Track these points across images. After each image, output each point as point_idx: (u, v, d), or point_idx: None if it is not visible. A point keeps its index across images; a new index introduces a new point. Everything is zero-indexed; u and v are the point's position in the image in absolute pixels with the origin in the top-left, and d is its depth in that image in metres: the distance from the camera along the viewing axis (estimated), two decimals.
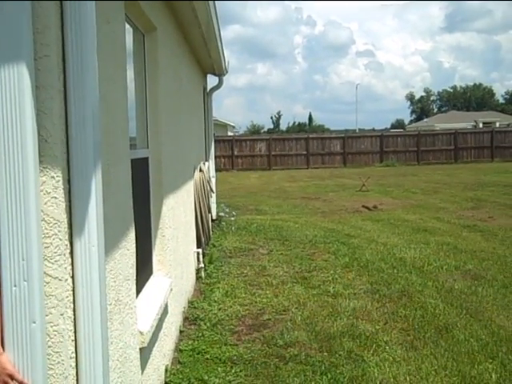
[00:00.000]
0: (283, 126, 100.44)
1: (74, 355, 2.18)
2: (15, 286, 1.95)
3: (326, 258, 9.22)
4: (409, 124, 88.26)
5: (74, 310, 2.17)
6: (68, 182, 2.13)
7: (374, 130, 69.43)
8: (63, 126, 2.10)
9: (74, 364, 2.18)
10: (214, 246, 10.36)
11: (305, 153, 37.90)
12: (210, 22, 6.79)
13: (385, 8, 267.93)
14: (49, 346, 2.09)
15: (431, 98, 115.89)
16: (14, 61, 1.90)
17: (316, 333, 5.73)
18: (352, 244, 10.37)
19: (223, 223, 12.86)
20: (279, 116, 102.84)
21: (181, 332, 5.82)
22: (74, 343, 2.18)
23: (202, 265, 8.09)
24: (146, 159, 4.72)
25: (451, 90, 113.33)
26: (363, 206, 16.14)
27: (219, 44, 8.76)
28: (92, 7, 2.16)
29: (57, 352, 2.12)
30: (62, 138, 2.09)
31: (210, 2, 6.11)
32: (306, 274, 8.15)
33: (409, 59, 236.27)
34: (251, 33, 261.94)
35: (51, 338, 2.10)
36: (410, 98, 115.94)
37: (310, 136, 39.43)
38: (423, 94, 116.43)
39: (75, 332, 2.18)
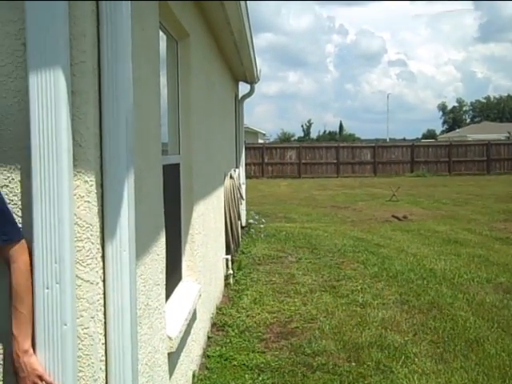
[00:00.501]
0: (314, 135, 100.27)
1: (103, 358, 2.20)
2: (47, 288, 1.97)
3: (355, 268, 9.16)
4: (440, 134, 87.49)
5: (105, 314, 2.19)
6: (101, 186, 2.15)
7: (404, 139, 68.98)
8: (97, 130, 2.12)
9: (103, 367, 2.20)
10: (243, 252, 10.36)
11: (335, 161, 37.76)
12: (243, 29, 6.82)
13: (418, 18, 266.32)
14: (79, 349, 2.11)
15: (464, 109, 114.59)
16: (51, 66, 1.93)
17: (344, 342, 5.69)
18: (381, 254, 10.29)
19: (252, 230, 12.87)
20: (310, 124, 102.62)
21: (209, 338, 5.83)
22: (104, 346, 2.20)
23: (230, 271, 8.09)
24: (177, 165, 4.75)
25: (484, 101, 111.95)
26: (393, 216, 16.01)
27: (251, 51, 8.79)
28: (128, 14, 2.18)
29: (87, 355, 2.13)
30: (95, 143, 2.11)
31: (243, 10, 6.13)
32: (334, 283, 8.10)
33: (441, 69, 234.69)
34: (283, 41, 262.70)
35: (82, 341, 2.12)
36: (442, 108, 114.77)
37: (341, 145, 39.28)
38: (455, 104, 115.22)
39: (105, 335, 2.20)
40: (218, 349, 5.55)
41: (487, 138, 43.58)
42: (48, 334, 1.99)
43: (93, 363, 2.14)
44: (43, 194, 1.95)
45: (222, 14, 5.90)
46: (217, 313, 6.64)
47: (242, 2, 5.91)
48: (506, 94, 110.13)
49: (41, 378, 1.98)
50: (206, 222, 5.91)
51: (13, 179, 2.08)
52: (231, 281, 8.03)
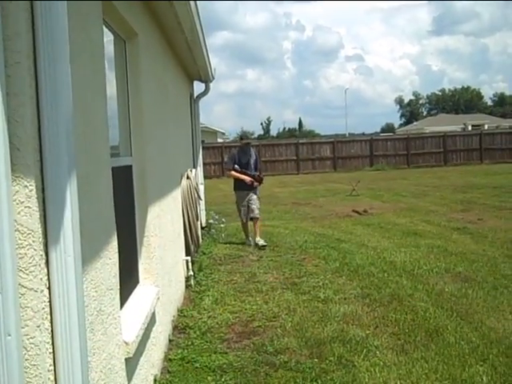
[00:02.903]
0: (273, 132, 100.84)
1: (52, 368, 2.13)
2: None
3: (317, 264, 9.18)
4: (398, 128, 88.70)
5: (51, 322, 2.12)
6: (42, 190, 2.08)
7: (363, 134, 69.95)
8: (36, 133, 2.05)
9: (52, 377, 2.13)
10: (204, 253, 10.30)
11: (295, 158, 37.94)
12: (194, 28, 6.76)
13: (372, 12, 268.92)
14: (26, 359, 2.04)
15: (420, 102, 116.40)
16: None
17: (306, 339, 5.69)
18: (342, 249, 10.34)
19: (213, 230, 12.79)
20: (269, 122, 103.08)
21: (170, 341, 5.76)
22: (51, 356, 2.13)
23: (191, 273, 8.03)
24: (129, 167, 4.67)
25: (440, 93, 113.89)
26: (353, 211, 16.11)
27: (204, 50, 8.73)
28: (64, 14, 2.12)
29: (34, 365, 2.07)
30: (34, 146, 2.04)
31: (193, 9, 6.07)
32: (296, 280, 8.11)
33: (397, 63, 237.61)
34: (240, 39, 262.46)
35: (28, 351, 2.05)
36: (399, 101, 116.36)
37: (300, 141, 39.47)
38: (412, 97, 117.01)
39: (53, 344, 2.13)
40: (179, 351, 5.49)
41: (444, 129, 44.28)
42: None
43: (40, 373, 2.08)
44: None
45: (172, 13, 5.83)
46: (178, 315, 6.58)
47: (192, 2, 5.85)
48: (460, 86, 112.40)
49: None
50: (163, 223, 5.84)
51: None
52: (192, 282, 7.96)
